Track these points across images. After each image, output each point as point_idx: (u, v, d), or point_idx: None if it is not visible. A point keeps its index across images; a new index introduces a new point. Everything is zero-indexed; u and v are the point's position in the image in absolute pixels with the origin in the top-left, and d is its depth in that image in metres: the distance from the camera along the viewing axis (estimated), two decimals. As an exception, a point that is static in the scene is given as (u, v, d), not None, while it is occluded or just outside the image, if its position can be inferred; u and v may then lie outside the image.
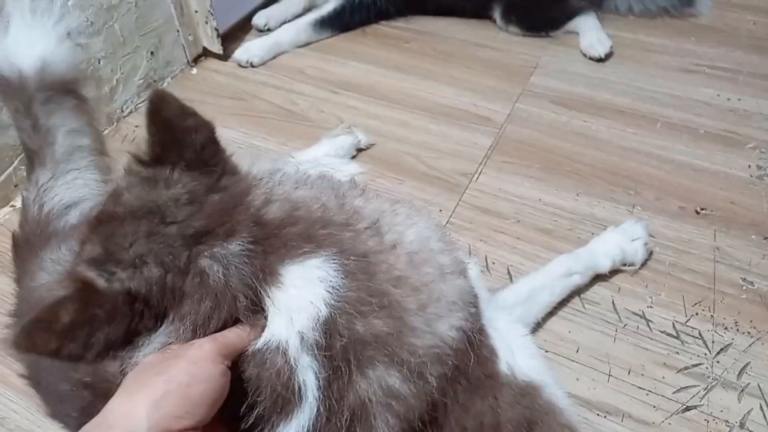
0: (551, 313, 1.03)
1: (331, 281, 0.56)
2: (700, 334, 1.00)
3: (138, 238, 0.53)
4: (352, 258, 0.58)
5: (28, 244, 0.87)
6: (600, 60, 1.63)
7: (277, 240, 0.56)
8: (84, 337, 0.49)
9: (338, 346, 0.54)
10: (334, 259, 0.57)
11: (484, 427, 0.65)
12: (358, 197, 0.66)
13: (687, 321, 1.02)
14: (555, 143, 1.38)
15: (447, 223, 1.19)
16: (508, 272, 1.10)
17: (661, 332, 1.01)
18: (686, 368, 0.96)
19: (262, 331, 0.55)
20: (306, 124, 1.44)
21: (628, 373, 0.96)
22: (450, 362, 0.60)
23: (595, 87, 1.55)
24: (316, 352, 0.54)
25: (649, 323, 1.02)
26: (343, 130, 1.34)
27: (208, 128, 0.58)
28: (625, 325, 1.02)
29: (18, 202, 1.21)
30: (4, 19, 0.90)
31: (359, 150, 1.35)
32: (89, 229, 0.57)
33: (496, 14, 1.76)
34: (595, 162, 1.33)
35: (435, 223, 0.70)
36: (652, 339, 1.00)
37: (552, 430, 0.70)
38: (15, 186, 1.22)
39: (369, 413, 0.54)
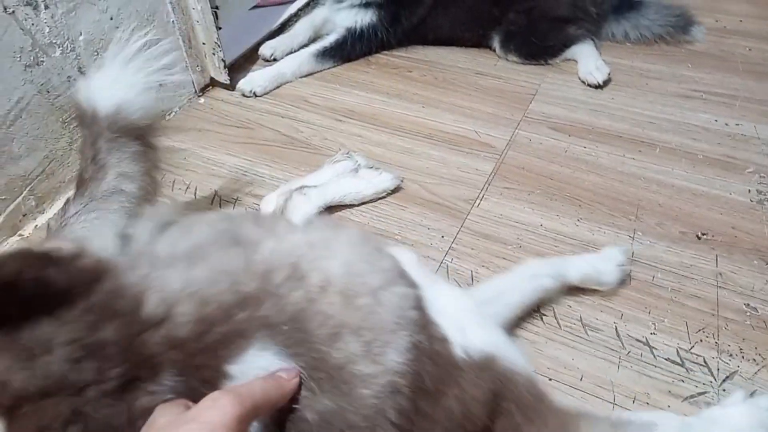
0: (552, 339, 1.04)
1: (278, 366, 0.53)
2: (705, 362, 1.00)
3: (67, 419, 0.47)
4: (283, 329, 0.53)
5: None
6: (598, 87, 1.66)
7: (202, 355, 0.51)
8: None
9: None
10: (267, 343, 0.53)
11: (455, 417, 0.63)
12: (265, 239, 0.61)
13: (691, 348, 1.02)
14: (555, 169, 1.40)
15: (449, 248, 1.20)
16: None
17: (665, 359, 1.01)
18: (692, 396, 0.96)
19: (292, 383, 0.51)
20: (310, 151, 1.46)
21: (633, 401, 0.95)
22: (406, 391, 0.58)
23: (594, 113, 1.57)
24: None
25: (653, 350, 1.02)
26: (342, 155, 1.35)
27: (25, 258, 0.51)
28: (629, 352, 1.02)
29: (26, 232, 1.23)
30: (103, 59, 0.94)
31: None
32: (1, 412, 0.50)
33: (495, 43, 1.80)
34: (596, 187, 1.34)
35: (357, 237, 0.66)
36: (656, 366, 1.00)
37: (515, 390, 0.70)
38: (24, 215, 1.23)
39: None
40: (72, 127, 1.28)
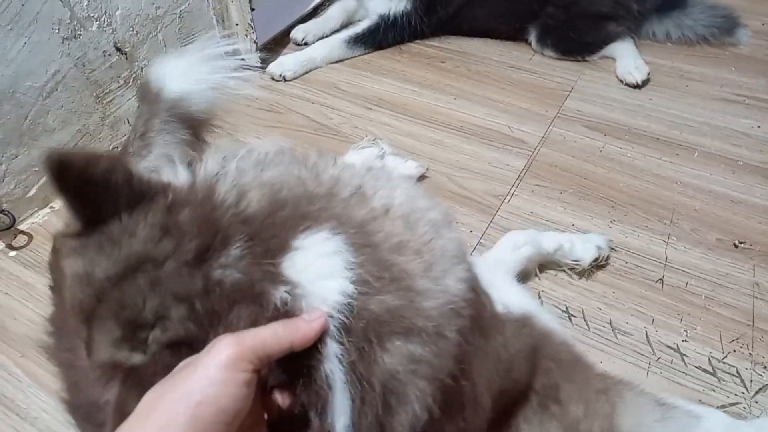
0: (580, 341, 1.01)
1: (345, 255, 0.53)
2: (737, 372, 0.97)
3: (145, 293, 0.49)
4: (352, 230, 0.55)
5: None
6: (636, 86, 1.61)
7: (272, 229, 0.53)
8: None
9: (360, 328, 0.52)
10: (338, 232, 0.54)
11: (502, 362, 0.67)
12: (330, 167, 0.63)
13: (724, 358, 0.99)
14: (589, 168, 1.37)
15: (477, 244, 1.18)
16: (539, 297, 1.08)
17: (697, 368, 0.98)
18: (723, 407, 0.93)
19: (313, 325, 0.50)
20: (338, 139, 1.45)
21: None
22: (465, 313, 0.59)
23: (631, 113, 1.53)
24: (341, 336, 0.51)
25: (684, 357, 1.00)
26: (368, 142, 1.34)
27: (119, 161, 0.52)
28: (659, 358, 1.00)
29: (57, 204, 1.23)
30: (186, 50, 1.00)
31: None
32: (85, 320, 0.52)
33: (532, 37, 1.76)
34: (630, 189, 1.31)
35: (412, 181, 0.69)
36: (686, 374, 0.97)
37: (552, 348, 0.74)
38: (55, 189, 1.24)
39: (399, 383, 0.53)
40: (106, 102, 1.28)
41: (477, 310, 0.62)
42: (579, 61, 1.73)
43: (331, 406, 0.51)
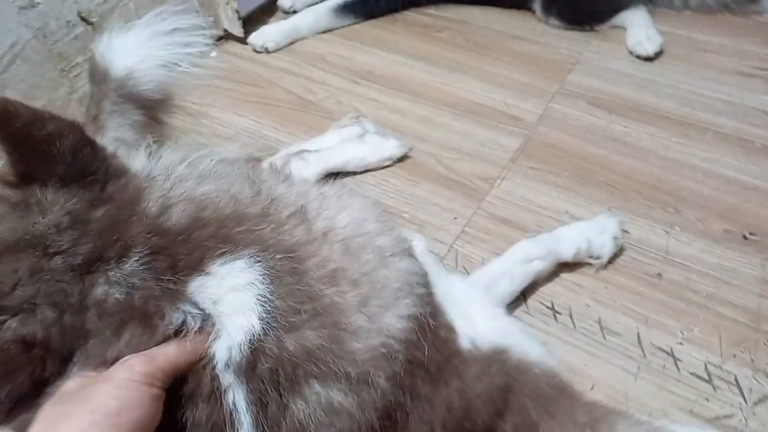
0: (565, 341, 0.93)
1: (259, 288, 0.49)
2: (736, 380, 0.89)
3: (21, 277, 0.46)
4: (277, 256, 0.50)
5: None
6: (648, 59, 1.49)
7: (184, 246, 0.49)
8: None
9: (265, 369, 0.47)
10: (258, 260, 0.50)
11: (453, 411, 0.59)
12: (279, 183, 0.59)
13: (722, 363, 0.91)
14: (590, 149, 1.26)
15: (461, 232, 1.10)
16: (523, 295, 1.00)
17: (691, 374, 0.90)
18: (716, 418, 0.85)
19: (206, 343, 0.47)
20: (321, 115, 1.36)
21: (649, 417, 0.85)
22: (401, 358, 0.53)
23: (640, 89, 1.42)
24: (243, 375, 0.47)
25: (678, 362, 0.91)
26: (349, 119, 1.26)
27: (75, 130, 0.50)
28: (650, 362, 0.91)
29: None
30: (132, 25, 0.95)
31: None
32: None
33: (536, 5, 1.64)
34: (633, 173, 1.21)
35: (371, 203, 0.63)
36: (679, 381, 0.89)
37: (529, 383, 0.66)
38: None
39: None
40: (72, 75, 1.22)
41: (423, 353, 0.56)
42: (586, 31, 1.61)
43: None
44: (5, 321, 0.45)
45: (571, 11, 1.59)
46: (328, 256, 0.53)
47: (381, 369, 0.51)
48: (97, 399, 0.43)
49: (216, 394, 0.47)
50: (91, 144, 0.51)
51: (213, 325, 0.48)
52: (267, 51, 1.53)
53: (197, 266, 0.48)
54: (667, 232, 1.09)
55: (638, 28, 1.53)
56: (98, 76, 0.90)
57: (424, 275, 0.62)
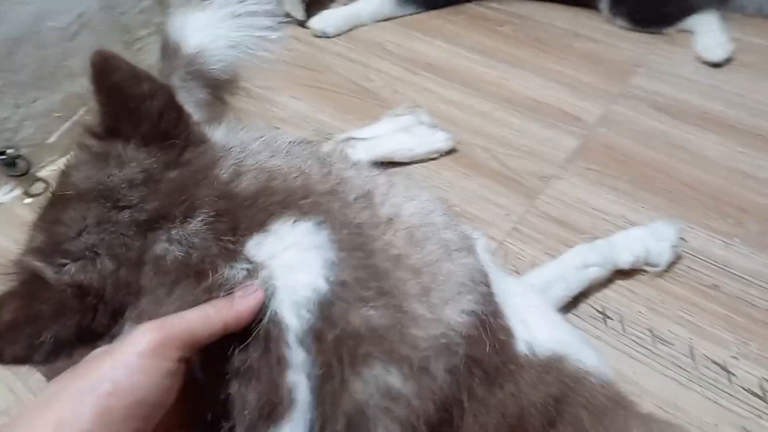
0: (614, 347, 0.92)
1: (327, 252, 0.48)
2: (792, 400, 0.86)
3: (87, 225, 0.47)
4: (344, 230, 0.49)
5: None
6: (716, 65, 1.44)
7: (250, 210, 0.49)
8: (28, 338, 0.43)
9: (331, 339, 0.46)
10: (325, 227, 0.49)
11: (507, 416, 0.57)
12: (348, 168, 0.58)
13: (778, 381, 0.88)
14: (650, 155, 1.23)
15: (512, 229, 1.09)
16: (574, 298, 0.98)
17: (744, 389, 0.87)
18: (769, 437, 0.82)
19: (248, 300, 0.45)
20: (377, 103, 1.37)
21: (700, 431, 0.83)
22: (461, 351, 0.52)
23: (706, 96, 1.37)
24: (309, 342, 0.46)
25: (731, 377, 0.88)
26: (405, 109, 1.25)
27: (165, 93, 0.50)
28: (701, 374, 0.89)
29: (79, 153, 1.22)
30: (208, 4, 0.96)
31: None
32: (39, 213, 0.51)
33: (604, 4, 1.59)
34: (694, 181, 1.17)
35: (437, 197, 0.61)
36: (731, 396, 0.86)
37: (585, 394, 0.63)
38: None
39: (367, 419, 0.47)
40: (135, 48, 1.25)
41: (482, 351, 0.54)
42: (653, 33, 1.56)
43: (279, 425, 0.45)
44: (66, 264, 0.46)
45: (641, 12, 1.55)
46: (392, 242, 0.53)
47: (441, 360, 0.50)
48: (93, 376, 0.39)
49: (274, 363, 0.45)
50: (178, 109, 0.52)
51: (266, 283, 0.46)
52: (326, 35, 1.54)
53: (258, 227, 0.48)
54: (726, 243, 1.06)
55: (708, 33, 1.48)
56: (169, 51, 0.91)
57: (486, 274, 0.61)
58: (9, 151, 1.10)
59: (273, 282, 0.46)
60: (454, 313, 0.52)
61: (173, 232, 0.47)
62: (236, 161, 0.52)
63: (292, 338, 0.45)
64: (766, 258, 1.03)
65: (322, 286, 0.46)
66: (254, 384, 0.45)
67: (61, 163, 1.18)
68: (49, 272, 0.46)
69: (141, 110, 0.49)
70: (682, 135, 1.27)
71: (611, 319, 0.96)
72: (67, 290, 0.45)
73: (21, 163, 1.11)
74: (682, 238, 1.02)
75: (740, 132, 1.28)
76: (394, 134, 1.20)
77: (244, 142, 0.56)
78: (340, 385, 0.46)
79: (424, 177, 1.17)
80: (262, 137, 0.57)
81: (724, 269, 1.02)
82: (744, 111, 1.33)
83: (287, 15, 1.56)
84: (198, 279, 0.46)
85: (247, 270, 0.46)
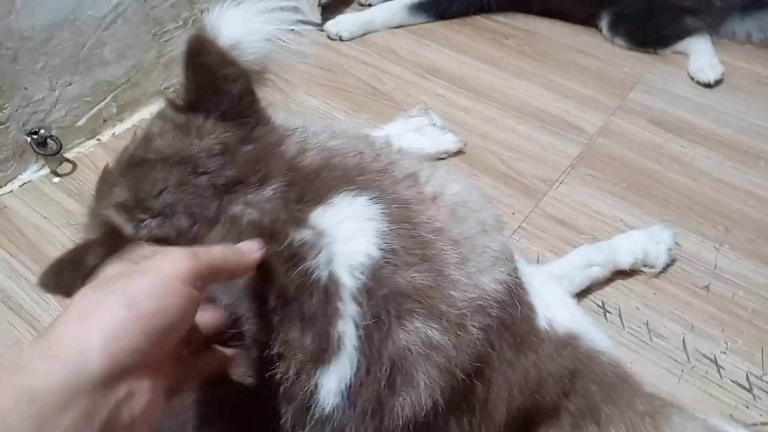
0: (615, 340, 0.96)
1: (379, 223, 0.53)
2: (776, 392, 0.93)
3: (168, 186, 0.52)
4: (393, 205, 0.55)
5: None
6: (708, 86, 1.53)
7: (314, 183, 0.54)
8: None
9: (380, 295, 0.52)
10: (378, 201, 0.54)
11: (528, 382, 0.64)
12: (395, 152, 0.64)
13: (763, 375, 0.94)
14: (646, 164, 1.31)
15: (519, 227, 1.15)
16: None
17: (733, 381, 0.94)
18: (755, 425, 0.88)
19: (252, 256, 0.49)
20: (390, 105, 1.42)
21: (691, 417, 0.89)
22: (494, 314, 0.58)
23: (698, 113, 1.45)
24: (362, 298, 0.51)
25: (720, 370, 0.95)
26: (419, 110, 1.31)
27: (245, 79, 0.56)
28: (693, 367, 0.95)
29: (104, 137, 1.26)
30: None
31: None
32: (119, 172, 0.56)
33: (604, 23, 1.68)
34: (687, 191, 1.25)
35: (474, 185, 0.67)
36: (721, 387, 0.93)
37: (596, 370, 0.70)
38: (104, 121, 1.26)
39: (409, 364, 0.52)
40: (163, 40, 1.29)
41: (511, 318, 0.60)
42: (650, 53, 1.65)
43: (326, 366, 0.50)
44: (145, 220, 0.51)
45: (638, 32, 1.63)
46: (436, 216, 0.58)
47: (476, 318, 0.55)
48: (133, 292, 0.39)
49: (330, 313, 0.51)
50: (254, 94, 0.57)
51: (322, 244, 0.52)
52: (341, 39, 1.60)
53: (322, 199, 0.53)
54: (716, 248, 1.13)
55: (701, 55, 1.57)
56: None
57: (513, 253, 0.66)
58: (41, 131, 1.13)
59: (333, 247, 0.52)
60: (489, 280, 0.58)
61: (249, 196, 0.52)
62: (301, 140, 0.58)
63: (346, 294, 0.51)
64: (752, 263, 1.11)
65: (375, 252, 0.52)
66: (309, 330, 0.51)
67: (89, 146, 1.22)
68: (128, 228, 0.51)
69: (224, 90, 0.55)
70: (676, 148, 1.35)
71: (610, 312, 1.02)
72: (145, 245, 0.49)
73: (51, 144, 1.14)
74: (677, 243, 1.10)
75: (729, 148, 1.36)
76: (406, 134, 1.25)
77: (305, 124, 0.62)
78: (387, 334, 0.52)
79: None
80: (321, 123, 0.63)
81: (714, 272, 1.09)
82: (733, 129, 1.41)
83: (304, 17, 1.61)
84: (270, 239, 0.51)
85: (312, 235, 0.52)
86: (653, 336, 0.99)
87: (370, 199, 0.54)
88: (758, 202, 1.23)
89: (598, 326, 0.77)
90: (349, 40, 1.61)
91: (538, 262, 1.09)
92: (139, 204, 0.52)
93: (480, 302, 0.56)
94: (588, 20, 1.71)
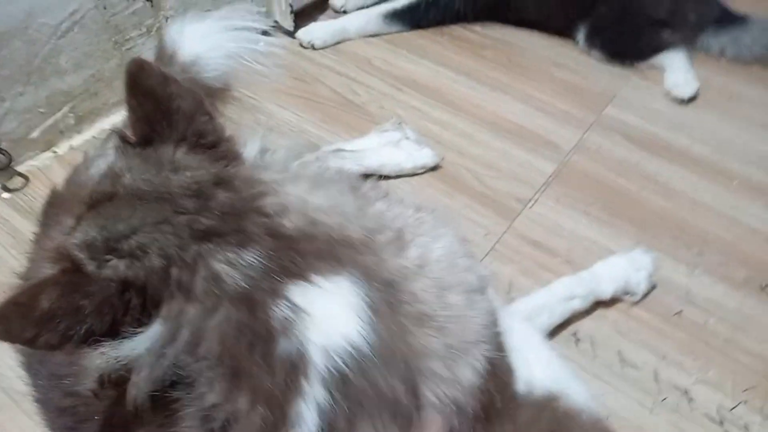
0: (583, 368, 0.96)
1: (362, 313, 0.49)
2: (745, 427, 0.91)
3: (145, 225, 0.48)
4: (376, 286, 0.51)
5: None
6: (683, 101, 1.52)
7: (296, 254, 0.50)
8: (64, 329, 0.44)
9: (358, 389, 0.48)
10: (361, 285, 0.51)
11: None
12: (379, 199, 0.60)
13: (733, 408, 0.93)
14: (622, 183, 1.29)
15: (492, 249, 1.12)
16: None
17: (703, 415, 0.93)
18: (724, 460, 0.88)
19: None
20: (363, 117, 1.39)
21: (661, 454, 0.88)
22: (470, 412, 0.54)
23: (673, 130, 1.44)
24: (332, 384, 0.47)
25: (691, 402, 0.94)
26: (393, 124, 1.28)
27: (194, 95, 0.53)
28: (665, 398, 0.94)
29: (61, 150, 1.20)
30: (206, 15, 1.00)
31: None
32: (86, 207, 0.52)
33: (580, 35, 1.65)
34: (662, 212, 1.23)
35: (459, 235, 0.64)
36: (690, 421, 0.92)
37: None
38: (60, 132, 1.20)
39: None
40: (125, 49, 1.23)
41: (489, 397, 0.57)
42: (626, 66, 1.63)
43: None
44: (111, 260, 0.47)
45: (613, 45, 1.62)
46: (419, 297, 0.54)
47: (447, 419, 0.53)
48: None
49: (289, 389, 0.47)
50: (209, 112, 0.54)
51: (299, 322, 0.48)
52: (313, 47, 1.55)
53: (303, 274, 0.50)
54: (690, 272, 1.12)
55: (677, 71, 1.56)
56: (165, 57, 0.93)
57: (496, 316, 0.63)
58: (-10, 143, 1.07)
59: (309, 325, 0.48)
60: (470, 371, 0.54)
61: (230, 255, 0.48)
62: (280, 190, 0.54)
63: (314, 375, 0.47)
64: (724, 288, 1.10)
65: (356, 338, 0.48)
66: (261, 405, 0.47)
67: (43, 158, 1.16)
68: (91, 266, 0.47)
69: (172, 109, 0.51)
70: (651, 166, 1.34)
71: (582, 341, 1.00)
72: (111, 286, 0.46)
73: (1, 157, 1.08)
74: (686, 297, 1.08)
75: (704, 167, 1.35)
76: (382, 148, 1.22)
77: (280, 164, 0.58)
78: (347, 429, 0.48)
79: (408, 193, 1.20)
80: (298, 160, 0.59)
81: (687, 298, 1.08)
82: (708, 147, 1.40)
83: (276, 24, 1.56)
84: (248, 308, 0.48)
85: (289, 311, 0.48)
86: (625, 366, 0.98)
87: (353, 281, 0.51)
88: (731, 223, 1.23)
89: (577, 376, 0.75)
90: (322, 48, 1.56)
91: (510, 286, 1.06)
92: (107, 243, 0.48)
93: (456, 402, 0.53)
94: (565, 32, 1.69)
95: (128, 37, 1.22)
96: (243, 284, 0.47)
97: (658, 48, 1.61)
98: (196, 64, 0.93)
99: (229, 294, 0.47)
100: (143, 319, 0.47)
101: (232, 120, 1.09)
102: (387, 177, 1.22)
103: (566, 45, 1.69)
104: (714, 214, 1.24)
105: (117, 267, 0.47)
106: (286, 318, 0.48)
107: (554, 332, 1.00)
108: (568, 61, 1.64)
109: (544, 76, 1.58)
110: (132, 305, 0.47)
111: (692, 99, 1.52)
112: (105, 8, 1.15)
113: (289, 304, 0.48)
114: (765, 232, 1.21)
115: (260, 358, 0.47)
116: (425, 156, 1.24)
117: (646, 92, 1.56)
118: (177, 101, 0.51)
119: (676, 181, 1.31)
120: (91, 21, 1.14)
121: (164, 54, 0.94)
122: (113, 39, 1.20)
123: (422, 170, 1.25)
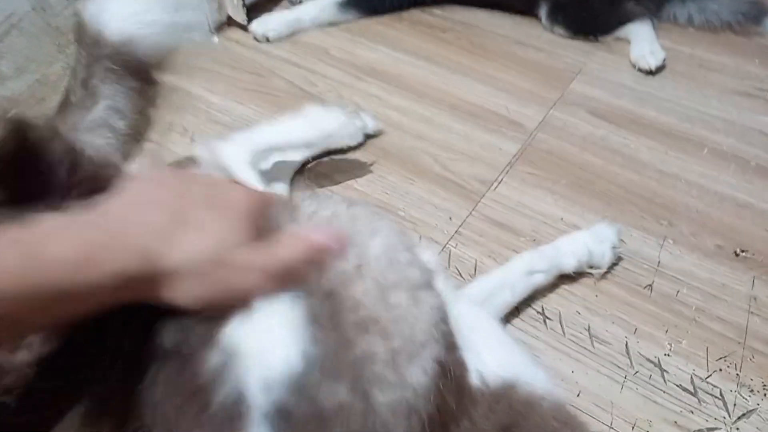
0: (553, 347, 0.94)
1: (301, 329, 0.47)
2: (720, 394, 0.89)
3: None
4: (317, 299, 0.49)
5: None
6: (650, 73, 1.50)
7: None
8: None
9: (297, 417, 0.45)
10: (299, 300, 0.48)
11: None
12: (308, 203, 0.57)
13: (708, 377, 0.91)
14: (587, 159, 1.26)
15: (455, 232, 1.10)
16: (514, 297, 1.00)
17: (677, 386, 0.90)
18: (700, 431, 0.85)
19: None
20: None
21: (632, 427, 0.85)
22: (423, 415, 0.51)
23: (640, 102, 1.42)
24: (277, 420, 0.44)
25: (664, 374, 0.91)
26: (349, 112, 1.24)
27: (58, 136, 0.50)
28: (636, 372, 0.91)
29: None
30: None
31: (368, 137, 1.26)
32: None
33: (542, 12, 1.63)
34: (630, 185, 1.21)
35: (396, 228, 0.61)
36: (665, 392, 0.89)
37: (536, 419, 0.62)
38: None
39: None
40: (68, 52, 1.20)
41: (441, 401, 0.54)
42: (591, 41, 1.61)
43: None
44: None
45: (577, 21, 1.59)
46: (361, 300, 0.52)
47: (401, 425, 0.50)
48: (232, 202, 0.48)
49: (235, 421, 0.44)
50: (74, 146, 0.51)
51: (233, 364, 0.46)
52: (267, 40, 1.52)
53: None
54: (659, 244, 1.10)
55: (642, 42, 1.54)
56: (87, 39, 0.84)
57: (445, 309, 0.60)
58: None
59: (245, 364, 0.45)
60: (420, 373, 0.52)
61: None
62: None
63: (257, 417, 0.44)
64: (696, 258, 1.08)
65: (295, 360, 0.46)
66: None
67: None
68: None
69: (51, 158, 0.50)
70: (618, 140, 1.31)
71: (550, 319, 0.97)
72: None
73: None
74: (621, 240, 1.06)
75: (672, 137, 1.33)
76: (317, 122, 1.16)
77: None
78: None
79: (368, 181, 1.17)
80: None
81: (657, 269, 1.05)
82: (676, 117, 1.38)
83: (229, 18, 1.53)
84: (181, 367, 0.45)
85: (222, 357, 0.45)
86: (595, 342, 0.95)
87: (292, 300, 0.48)
88: (701, 192, 1.20)
89: (536, 362, 0.72)
90: (276, 40, 1.53)
91: (475, 269, 1.04)
92: None
93: (407, 406, 0.50)
94: (527, 10, 1.66)
95: (71, 39, 1.19)
96: (174, 340, 0.45)
97: (622, 20, 1.59)
98: (130, 44, 0.86)
99: (168, 354, 0.45)
100: None
101: (173, 107, 1.05)
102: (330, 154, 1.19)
103: (529, 24, 1.67)
104: (683, 183, 1.22)
105: None
106: (219, 365, 0.45)
107: (522, 311, 0.97)
108: (532, 39, 1.61)
109: (507, 56, 1.55)
110: None
111: (659, 70, 1.50)
112: (44, 10, 1.12)
113: (221, 351, 0.45)
114: (737, 198, 1.19)
115: (193, 414, 0.44)
116: (362, 119, 1.22)
117: (612, 66, 1.53)
118: (44, 148, 0.50)
119: (643, 153, 1.29)
120: (30, 24, 1.11)
121: (85, 36, 0.84)
122: (57, 42, 1.17)
123: (361, 138, 1.23)
